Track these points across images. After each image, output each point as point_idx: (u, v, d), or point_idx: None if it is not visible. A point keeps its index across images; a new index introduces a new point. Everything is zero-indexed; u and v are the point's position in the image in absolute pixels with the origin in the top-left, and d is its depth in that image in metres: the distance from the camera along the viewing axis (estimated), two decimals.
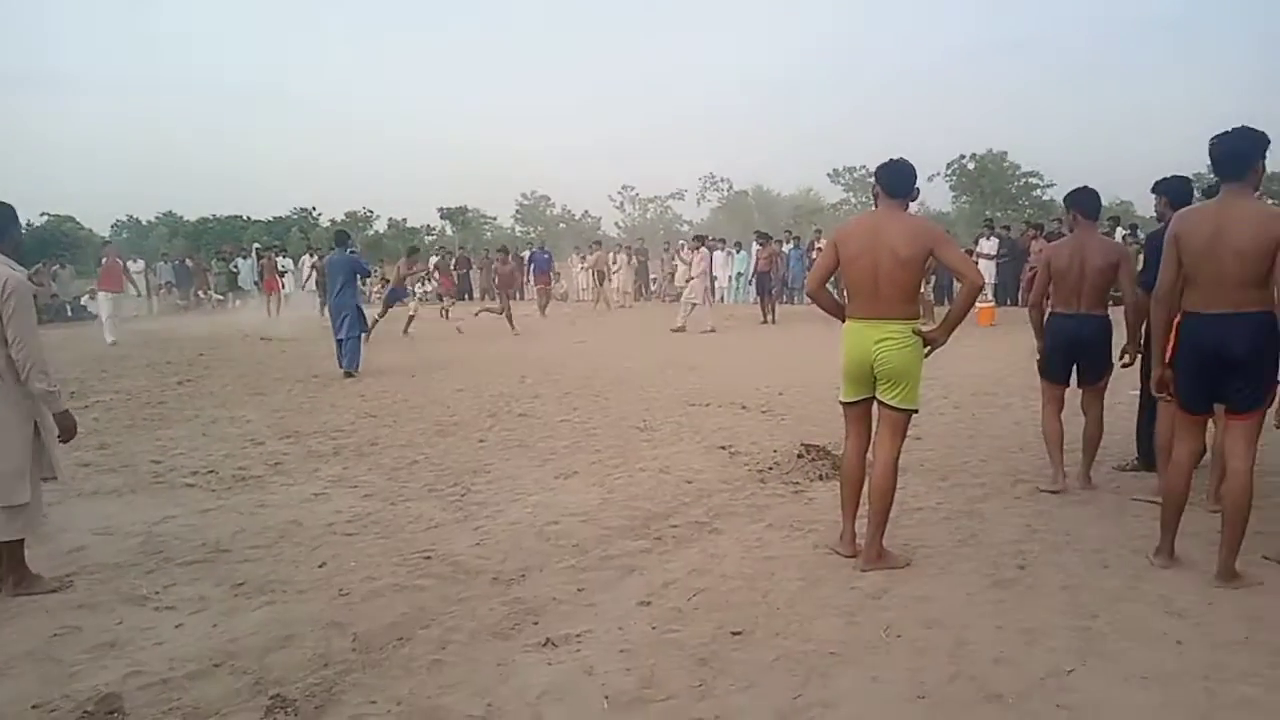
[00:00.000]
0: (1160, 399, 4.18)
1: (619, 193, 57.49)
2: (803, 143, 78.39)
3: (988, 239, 20.67)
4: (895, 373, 4.00)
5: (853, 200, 50.10)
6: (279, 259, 25.05)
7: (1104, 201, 5.64)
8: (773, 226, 31.77)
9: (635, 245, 28.97)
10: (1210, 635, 3.34)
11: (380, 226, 50.45)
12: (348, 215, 51.85)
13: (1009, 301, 19.63)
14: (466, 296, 26.34)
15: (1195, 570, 3.95)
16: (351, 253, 11.52)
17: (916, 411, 4.13)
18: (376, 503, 5.44)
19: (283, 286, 23.53)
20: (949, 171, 43.75)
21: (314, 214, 51.50)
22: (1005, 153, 43.77)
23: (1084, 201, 5.25)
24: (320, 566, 4.35)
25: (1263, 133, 3.76)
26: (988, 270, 19.82)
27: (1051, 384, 5.50)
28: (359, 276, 11.68)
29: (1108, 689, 2.97)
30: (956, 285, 5.11)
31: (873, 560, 4.07)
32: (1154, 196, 5.26)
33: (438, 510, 5.25)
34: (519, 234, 53.16)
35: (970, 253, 21.05)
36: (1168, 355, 3.93)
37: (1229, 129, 3.79)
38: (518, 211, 57.88)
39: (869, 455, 4.24)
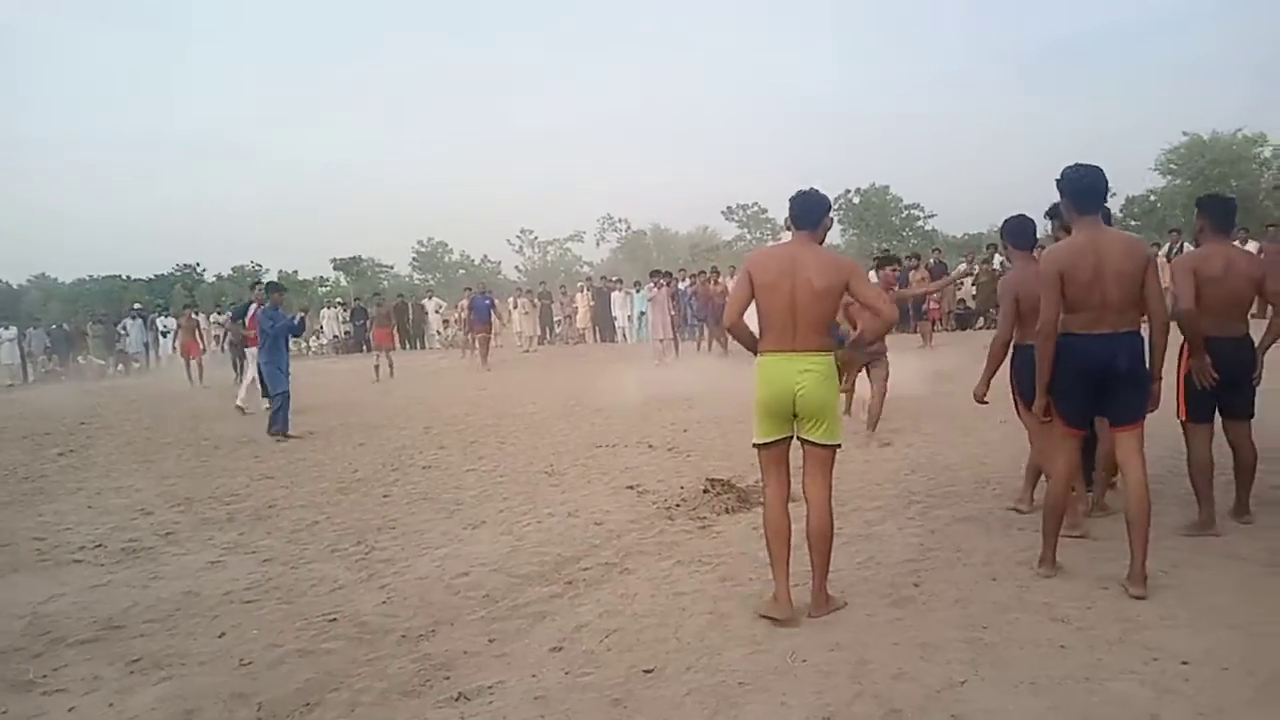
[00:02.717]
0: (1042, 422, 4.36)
1: (517, 236, 57.49)
2: (697, 180, 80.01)
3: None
4: (818, 407, 3.88)
5: (748, 236, 51.43)
6: (195, 317, 21.99)
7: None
8: (671, 265, 32.28)
9: (537, 289, 29.03)
10: (1089, 638, 3.57)
11: (270, 280, 49.10)
12: (235, 270, 50.27)
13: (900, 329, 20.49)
14: (364, 348, 25.83)
15: (1076, 577, 4.21)
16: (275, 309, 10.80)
17: (840, 446, 4.04)
18: (276, 567, 5.30)
19: (203, 348, 20.78)
20: (836, 206, 45.40)
21: (198, 270, 49.75)
22: (887, 186, 45.84)
23: (1016, 232, 5.20)
24: (220, 637, 4.21)
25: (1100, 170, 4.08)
26: None
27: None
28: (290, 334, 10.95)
29: (998, 697, 3.15)
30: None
31: (823, 607, 3.97)
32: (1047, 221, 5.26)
33: (341, 570, 5.15)
34: (417, 281, 52.48)
35: None
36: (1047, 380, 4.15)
37: (1084, 164, 4.06)
38: (415, 259, 57.17)
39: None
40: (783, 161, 66.83)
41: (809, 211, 4.05)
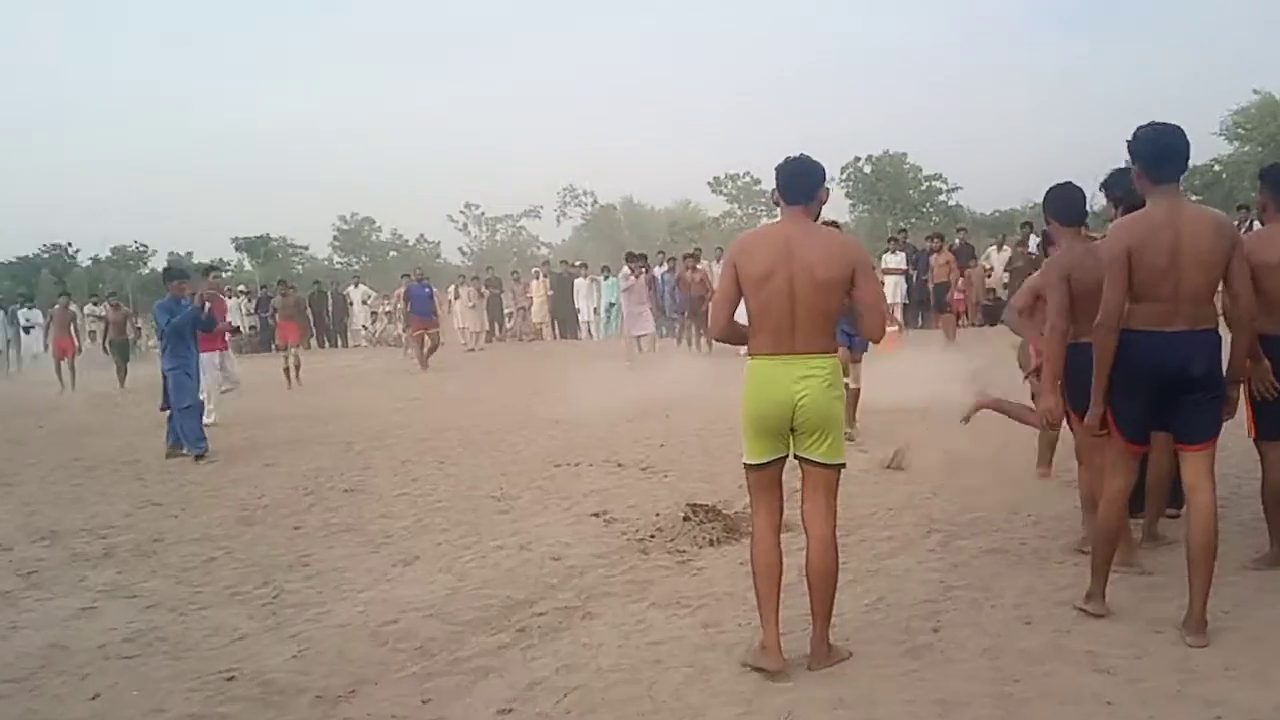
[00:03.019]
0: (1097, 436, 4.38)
1: (461, 211, 57.34)
2: (679, 148, 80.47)
3: (894, 253, 21.81)
4: (821, 419, 3.88)
5: (738, 212, 51.77)
6: (70, 308, 20.99)
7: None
8: (647, 246, 32.40)
9: (485, 275, 28.98)
10: (1140, 692, 3.61)
11: (157, 264, 48.62)
12: (115, 251, 49.75)
13: (921, 322, 20.68)
14: (272, 346, 25.61)
15: (1123, 619, 4.27)
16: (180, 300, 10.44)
17: (845, 466, 4.06)
18: (163, 614, 5.24)
19: (78, 346, 20.06)
20: (843, 176, 45.86)
21: (70, 251, 49.20)
22: (905, 154, 46.24)
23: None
24: (93, 699, 4.16)
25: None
26: (896, 288, 20.83)
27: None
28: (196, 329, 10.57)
29: None
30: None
31: (824, 659, 3.97)
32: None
33: (243, 618, 5.11)
34: (338, 265, 52.23)
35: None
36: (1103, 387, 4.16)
37: (1161, 122, 4.04)
38: (335, 238, 56.88)
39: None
40: (781, 127, 67.25)
41: (800, 182, 4.02)
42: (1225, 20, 67.79)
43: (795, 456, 4.00)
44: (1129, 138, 4.11)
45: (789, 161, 4.04)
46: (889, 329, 16.45)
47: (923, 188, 46.32)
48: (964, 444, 8.25)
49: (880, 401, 9.54)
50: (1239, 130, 38.56)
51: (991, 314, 20.95)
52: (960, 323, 19.77)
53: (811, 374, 3.86)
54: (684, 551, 5.73)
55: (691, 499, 6.58)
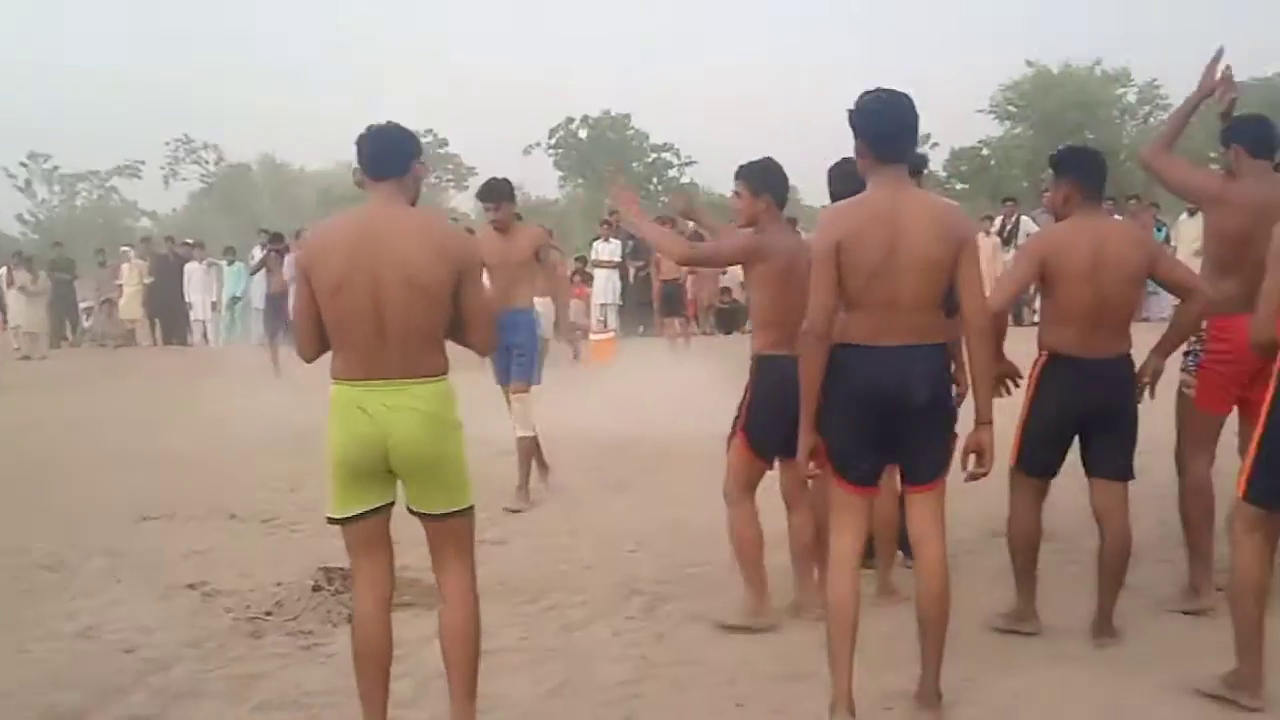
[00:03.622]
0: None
1: (22, 165, 53.62)
2: (334, 96, 78.88)
3: (607, 240, 21.96)
4: (428, 461, 3.98)
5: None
6: None
7: None
8: (294, 219, 31.50)
9: (52, 254, 27.32)
10: None
11: None
12: None
13: (642, 329, 21.24)
14: None
15: (857, 694, 4.36)
16: None
17: (472, 506, 4.16)
18: None
19: None
20: (553, 142, 46.72)
21: None
22: (629, 116, 47.70)
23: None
24: None
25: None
26: (609, 286, 21.30)
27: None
28: None
29: None
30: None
31: None
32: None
33: None
34: None
35: (585, 262, 22.63)
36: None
37: (888, 89, 4.24)
38: None
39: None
40: (478, 79, 67.36)
41: (387, 153, 4.10)
42: None
43: (408, 509, 4.10)
44: (850, 107, 4.28)
45: (375, 131, 4.11)
46: (599, 335, 17.15)
47: (650, 160, 47.92)
48: (675, 478, 8.61)
49: (580, 428, 9.78)
50: (1009, 107, 42.16)
51: (726, 319, 21.93)
52: (691, 329, 20.51)
53: (411, 405, 3.94)
54: (309, 633, 5.65)
55: (326, 562, 6.45)
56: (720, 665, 4.99)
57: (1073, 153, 5.52)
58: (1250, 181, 5.26)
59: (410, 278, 3.88)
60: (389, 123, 4.16)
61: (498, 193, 8.00)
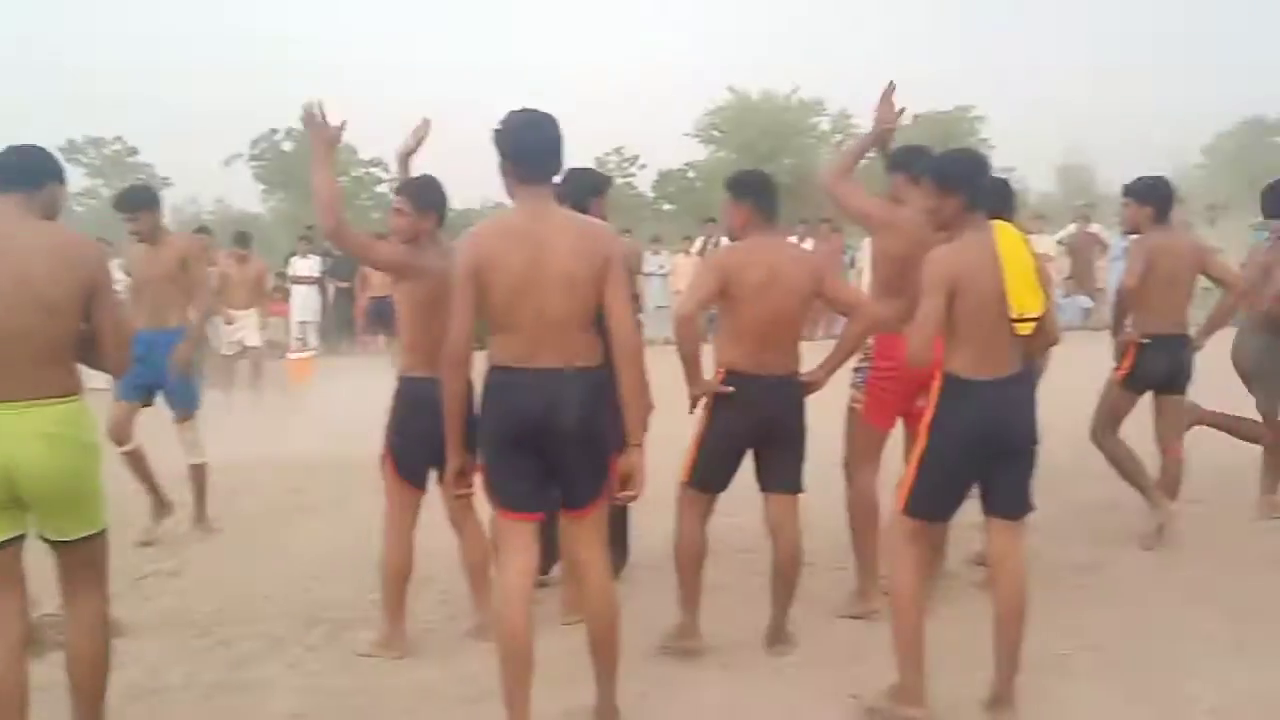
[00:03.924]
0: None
1: None
2: (21, 104, 73.84)
3: (305, 256, 20.92)
4: (60, 489, 3.81)
5: (104, 191, 48.40)
6: None
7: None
8: None
9: None
10: None
11: None
12: None
13: (345, 347, 20.58)
14: None
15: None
16: None
17: (104, 530, 4.02)
18: None
19: None
20: (255, 153, 45.11)
21: None
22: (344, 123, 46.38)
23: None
24: None
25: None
26: (308, 303, 20.48)
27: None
28: None
29: None
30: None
31: None
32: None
33: None
34: None
35: (284, 278, 21.72)
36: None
37: (531, 109, 4.23)
38: None
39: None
40: (170, 89, 64.14)
41: (14, 168, 3.97)
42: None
43: (43, 539, 3.90)
44: (496, 125, 4.25)
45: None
46: (297, 354, 16.51)
47: (359, 174, 46.73)
48: (374, 509, 8.34)
49: (268, 451, 9.42)
50: (713, 132, 43.58)
51: None
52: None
53: (34, 428, 3.73)
54: None
55: None
56: (402, 692, 4.84)
57: (749, 176, 5.62)
58: (913, 209, 5.40)
59: (35, 290, 3.68)
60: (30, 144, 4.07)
61: (133, 201, 7.41)
